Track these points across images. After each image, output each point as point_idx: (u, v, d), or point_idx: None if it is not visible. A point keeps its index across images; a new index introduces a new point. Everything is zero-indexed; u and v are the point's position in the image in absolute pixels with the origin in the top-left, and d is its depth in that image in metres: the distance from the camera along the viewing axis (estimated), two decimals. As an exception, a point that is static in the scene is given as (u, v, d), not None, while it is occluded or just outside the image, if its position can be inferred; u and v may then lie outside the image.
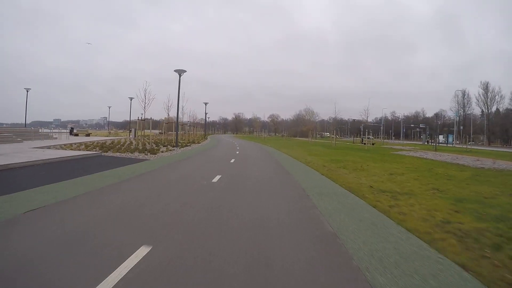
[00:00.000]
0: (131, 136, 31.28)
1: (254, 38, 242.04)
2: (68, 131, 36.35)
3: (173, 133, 30.19)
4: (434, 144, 30.28)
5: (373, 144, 35.82)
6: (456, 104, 67.09)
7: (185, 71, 21.96)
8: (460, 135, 51.78)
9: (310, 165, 12.38)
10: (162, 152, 16.70)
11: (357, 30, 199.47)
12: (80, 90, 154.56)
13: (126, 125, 69.94)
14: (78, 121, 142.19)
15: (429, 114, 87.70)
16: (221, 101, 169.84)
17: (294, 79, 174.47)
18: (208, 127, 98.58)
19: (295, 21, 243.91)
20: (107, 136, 37.25)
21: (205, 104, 43.17)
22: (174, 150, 18.69)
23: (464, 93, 66.96)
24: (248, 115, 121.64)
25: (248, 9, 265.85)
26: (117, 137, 33.00)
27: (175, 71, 21.95)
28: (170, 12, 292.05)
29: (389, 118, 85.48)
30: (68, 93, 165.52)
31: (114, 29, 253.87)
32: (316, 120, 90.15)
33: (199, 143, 30.04)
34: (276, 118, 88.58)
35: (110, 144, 20.20)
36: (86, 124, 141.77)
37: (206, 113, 48.05)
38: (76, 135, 35.94)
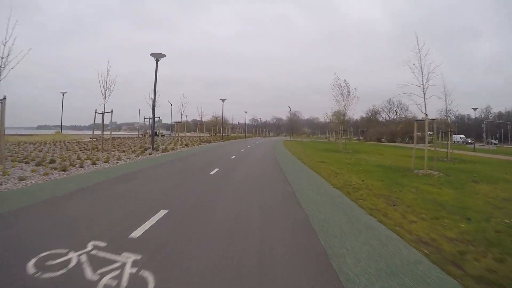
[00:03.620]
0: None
1: (303, 37, 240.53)
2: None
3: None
4: None
5: None
6: None
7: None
8: None
9: None
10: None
11: (408, 15, 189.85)
12: (132, 94, 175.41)
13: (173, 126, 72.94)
14: (132, 123, 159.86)
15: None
16: (273, 102, 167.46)
17: (346, 76, 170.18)
18: (256, 130, 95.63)
19: (343, 13, 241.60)
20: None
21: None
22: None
23: None
24: (305, 115, 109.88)
25: (294, 6, 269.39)
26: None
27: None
28: (212, 17, 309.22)
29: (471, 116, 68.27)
30: (122, 97, 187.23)
31: (161, 35, 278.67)
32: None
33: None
34: (343, 116, 65.61)
35: None
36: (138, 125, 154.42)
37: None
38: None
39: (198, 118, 40.03)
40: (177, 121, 37.13)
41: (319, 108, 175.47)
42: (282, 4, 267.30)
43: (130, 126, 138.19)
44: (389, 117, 72.78)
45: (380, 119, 73.74)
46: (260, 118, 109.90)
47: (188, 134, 47.08)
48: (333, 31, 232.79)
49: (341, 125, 27.04)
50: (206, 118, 43.23)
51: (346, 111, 26.34)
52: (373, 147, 31.53)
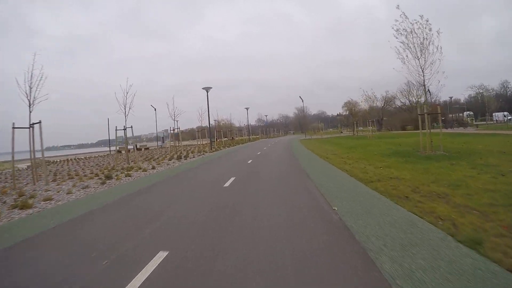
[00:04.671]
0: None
1: (306, 33, 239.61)
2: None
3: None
4: None
5: None
6: None
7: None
8: None
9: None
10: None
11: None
12: (138, 105, 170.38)
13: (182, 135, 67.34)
14: (139, 136, 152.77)
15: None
16: (279, 100, 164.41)
17: (354, 67, 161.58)
18: (263, 130, 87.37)
19: (341, 4, 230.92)
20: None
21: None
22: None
23: None
24: (313, 110, 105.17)
25: (296, 3, 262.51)
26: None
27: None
28: (213, 21, 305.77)
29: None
30: (137, 109, 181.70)
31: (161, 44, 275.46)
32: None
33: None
34: (354, 107, 58.13)
35: None
36: (146, 137, 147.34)
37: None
38: None
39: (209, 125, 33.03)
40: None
41: (326, 103, 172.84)
42: (284, 2, 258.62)
43: (137, 139, 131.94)
44: (409, 101, 60.31)
45: (399, 104, 62.77)
46: (266, 116, 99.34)
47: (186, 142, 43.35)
48: (335, 24, 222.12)
49: (420, 108, 13.58)
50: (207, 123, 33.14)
51: (424, 78, 13.14)
52: (466, 139, 17.56)
